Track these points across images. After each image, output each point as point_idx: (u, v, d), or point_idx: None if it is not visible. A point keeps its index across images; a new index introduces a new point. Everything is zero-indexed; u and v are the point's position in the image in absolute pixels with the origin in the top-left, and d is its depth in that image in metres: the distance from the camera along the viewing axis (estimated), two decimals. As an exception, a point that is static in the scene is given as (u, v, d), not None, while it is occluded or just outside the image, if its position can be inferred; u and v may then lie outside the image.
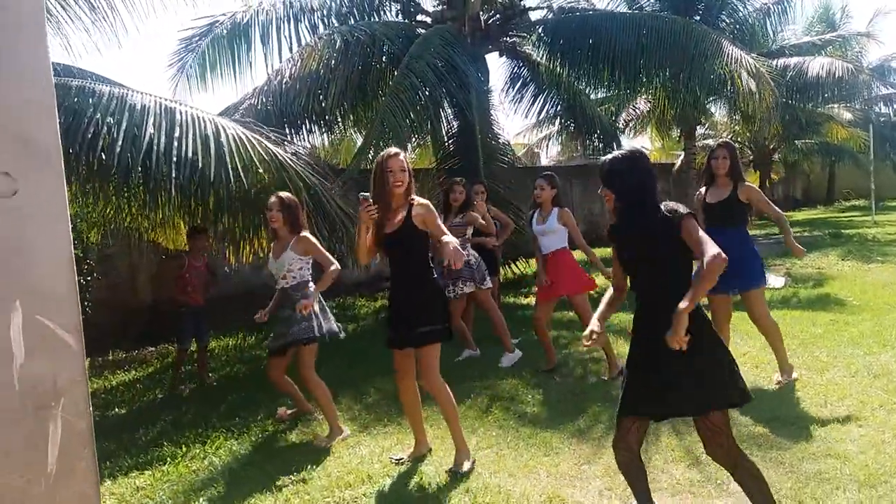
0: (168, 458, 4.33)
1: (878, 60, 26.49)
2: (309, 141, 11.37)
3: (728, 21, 15.80)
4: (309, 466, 4.01)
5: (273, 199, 4.68)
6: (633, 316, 2.86)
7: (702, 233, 2.63)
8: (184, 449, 4.45)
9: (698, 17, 14.63)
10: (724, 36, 11.81)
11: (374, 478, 3.80)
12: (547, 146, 23.13)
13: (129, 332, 8.00)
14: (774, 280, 9.04)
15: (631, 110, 19.70)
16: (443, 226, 3.80)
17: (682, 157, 18.55)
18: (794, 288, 8.64)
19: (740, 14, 16.08)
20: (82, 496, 1.24)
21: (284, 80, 9.97)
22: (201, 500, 3.70)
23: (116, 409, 5.71)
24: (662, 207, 2.74)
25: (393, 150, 3.81)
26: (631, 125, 20.91)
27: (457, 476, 3.70)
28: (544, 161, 24.87)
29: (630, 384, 2.80)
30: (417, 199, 3.78)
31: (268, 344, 4.81)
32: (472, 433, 4.36)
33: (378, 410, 5.01)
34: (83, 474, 1.24)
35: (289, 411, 4.99)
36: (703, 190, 5.10)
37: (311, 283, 4.64)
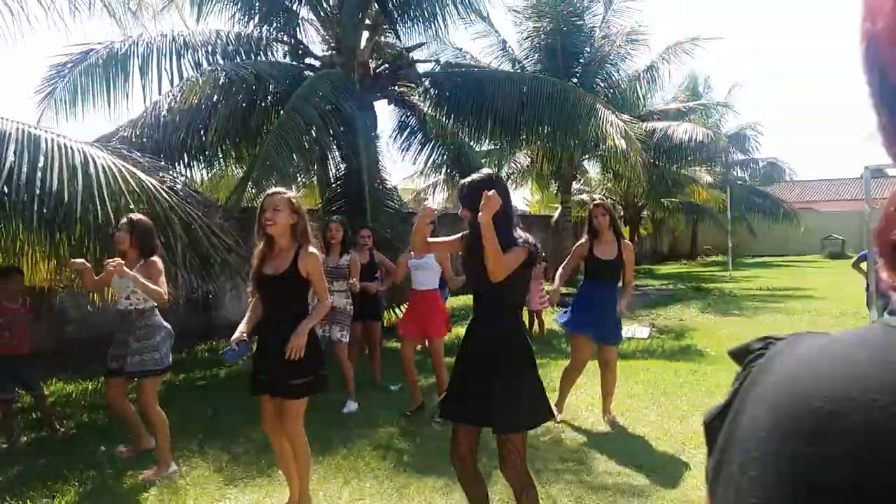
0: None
1: (735, 128, 29.06)
2: (187, 175, 10.94)
3: (603, 85, 16.84)
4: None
5: (123, 220, 4.54)
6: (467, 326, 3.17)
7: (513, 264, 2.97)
8: (28, 503, 4.05)
9: (576, 80, 15.54)
10: (599, 99, 12.59)
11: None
12: (434, 192, 23.50)
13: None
14: (640, 330, 9.53)
15: (513, 164, 20.46)
16: (324, 285, 3.72)
17: (559, 210, 19.37)
18: (659, 338, 9.14)
19: (614, 79, 17.20)
20: None
21: (163, 113, 9.61)
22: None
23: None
24: (519, 234, 3.05)
25: (274, 189, 3.72)
26: (512, 178, 21.70)
27: None
28: (434, 206, 25.15)
29: (450, 391, 3.10)
30: (309, 249, 3.63)
31: (107, 364, 4.60)
32: (346, 484, 4.25)
33: (246, 461, 4.77)
34: None
35: (126, 450, 4.81)
36: (583, 241, 5.38)
37: (157, 313, 4.51)
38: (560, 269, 5.49)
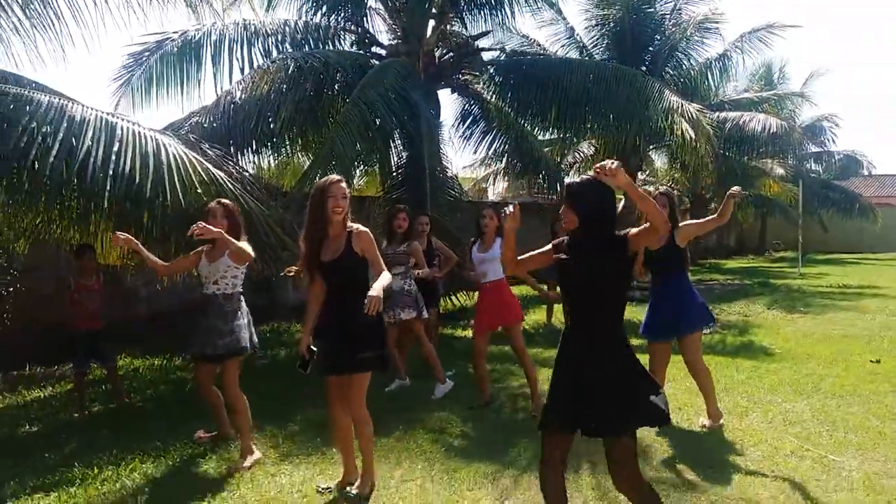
0: (78, 480, 4.16)
1: (809, 120, 27.95)
2: (254, 162, 11.25)
3: (672, 73, 16.43)
4: (224, 493, 3.92)
5: (215, 205, 4.64)
6: (562, 334, 3.00)
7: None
8: (95, 471, 4.29)
9: (645, 68, 15.19)
10: (668, 87, 12.30)
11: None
12: (494, 182, 23.44)
13: (49, 347, 7.67)
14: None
15: (576, 153, 20.21)
16: (380, 258, 3.85)
17: (623, 201, 19.06)
18: (721, 334, 8.93)
19: (684, 67, 16.76)
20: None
21: (234, 100, 9.89)
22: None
23: (28, 427, 5.46)
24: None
25: (335, 176, 3.82)
26: (576, 168, 21.44)
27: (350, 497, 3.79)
28: (491, 196, 25.14)
29: (552, 400, 2.97)
30: (357, 227, 3.79)
31: (193, 351, 4.67)
32: (398, 465, 4.35)
33: (302, 439, 4.93)
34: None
35: (206, 435, 4.90)
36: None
37: (242, 298, 4.63)
38: None
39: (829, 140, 28.93)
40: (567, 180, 3.14)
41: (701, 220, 5.37)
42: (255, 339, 4.67)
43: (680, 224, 5.05)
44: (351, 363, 3.73)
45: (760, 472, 4.14)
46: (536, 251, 3.22)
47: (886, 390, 5.99)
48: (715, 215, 5.09)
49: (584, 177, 2.97)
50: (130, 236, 4.62)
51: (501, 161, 16.14)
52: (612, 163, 2.68)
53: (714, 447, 4.61)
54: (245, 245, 4.50)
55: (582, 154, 20.22)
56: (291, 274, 4.12)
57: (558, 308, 9.63)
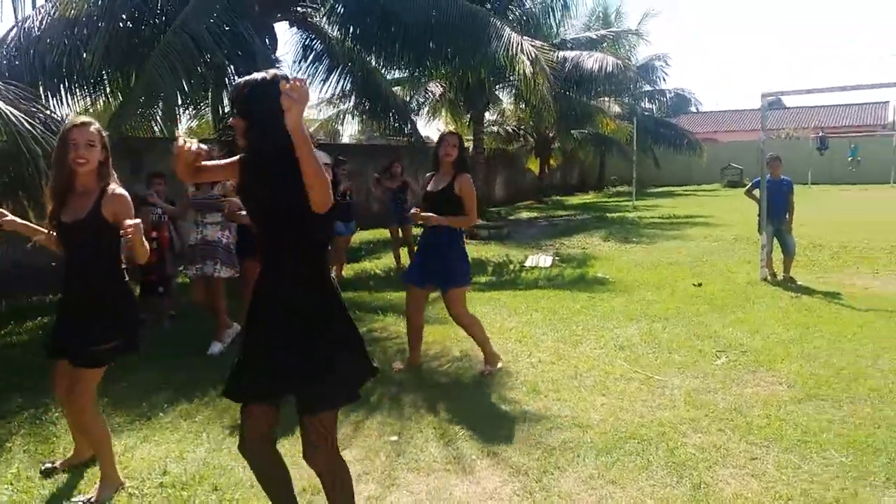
0: None
1: (643, 59, 29.38)
2: (69, 105, 10.08)
3: (517, 12, 16.53)
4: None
5: None
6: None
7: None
8: None
9: (489, 6, 15.14)
10: (510, 25, 12.31)
11: None
12: (344, 123, 22.83)
13: None
14: (544, 259, 9.66)
15: (426, 93, 20.05)
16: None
17: (471, 142, 19.22)
18: (560, 267, 9.28)
19: (527, 6, 16.92)
20: None
21: (34, 31, 8.72)
22: None
23: None
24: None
25: (81, 118, 3.14)
26: (426, 108, 21.29)
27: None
28: (346, 139, 24.54)
29: (241, 362, 2.38)
30: (114, 189, 3.09)
31: None
32: (234, 423, 4.08)
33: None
34: None
35: None
36: (428, 176, 4.86)
37: None
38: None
39: (660, 79, 30.65)
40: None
41: (469, 201, 4.64)
42: None
43: (465, 175, 4.65)
44: (82, 355, 3.09)
45: (592, 397, 4.30)
46: (221, 161, 2.58)
47: (706, 311, 6.47)
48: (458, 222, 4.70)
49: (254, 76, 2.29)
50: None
51: (349, 100, 15.68)
52: (295, 87, 2.02)
53: (551, 375, 4.73)
54: None
55: (431, 94, 20.10)
56: (36, 238, 3.30)
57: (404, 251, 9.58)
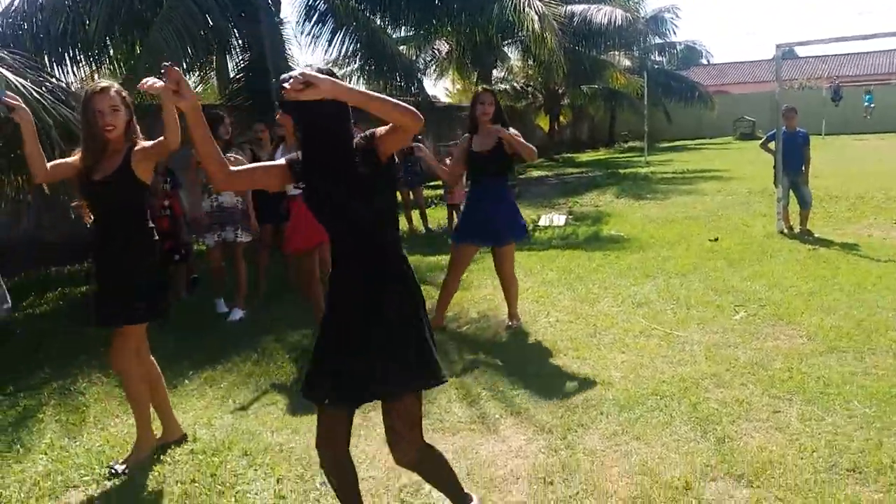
0: None
1: (652, 12, 28.81)
2: (74, 73, 10.01)
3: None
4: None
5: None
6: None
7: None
8: None
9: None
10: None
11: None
12: (352, 83, 22.62)
13: None
14: (557, 218, 9.62)
15: (433, 51, 19.78)
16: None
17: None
18: (574, 226, 9.25)
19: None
20: None
21: (36, -1, 8.63)
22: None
23: None
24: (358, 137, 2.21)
25: (102, 83, 3.09)
26: (433, 66, 21.03)
27: (132, 469, 3.20)
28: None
29: (320, 361, 2.30)
30: (141, 143, 3.10)
31: None
32: (258, 390, 4.13)
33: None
34: None
35: None
36: (467, 136, 4.82)
37: None
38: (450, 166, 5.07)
39: (670, 31, 30.09)
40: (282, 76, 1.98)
41: (521, 144, 4.59)
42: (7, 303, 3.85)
43: (510, 128, 4.67)
44: (121, 314, 3.12)
45: (612, 354, 4.32)
46: (259, 165, 2.54)
47: (723, 266, 6.44)
48: (523, 148, 4.58)
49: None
50: None
51: (355, 61, 15.49)
52: (294, 73, 1.90)
53: (570, 334, 4.74)
54: None
55: (438, 52, 19.83)
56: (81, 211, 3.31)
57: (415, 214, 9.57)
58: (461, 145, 4.89)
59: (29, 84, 5.56)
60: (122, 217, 3.15)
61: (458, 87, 29.84)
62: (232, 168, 2.22)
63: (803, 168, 7.95)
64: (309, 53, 40.15)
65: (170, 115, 2.89)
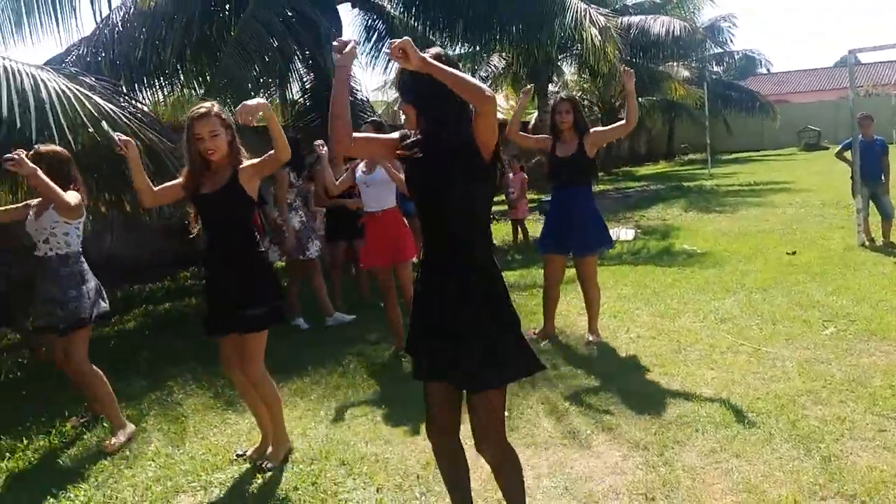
0: (6, 453, 3.80)
1: (709, 21, 28.39)
2: (148, 99, 10.43)
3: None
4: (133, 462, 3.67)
5: (31, 153, 3.72)
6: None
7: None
8: (24, 442, 3.92)
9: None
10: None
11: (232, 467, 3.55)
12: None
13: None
14: (625, 233, 9.52)
15: (488, 68, 19.87)
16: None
17: (535, 114, 19.00)
18: (643, 240, 9.13)
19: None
20: None
21: (116, 28, 9.04)
22: (48, 497, 3.28)
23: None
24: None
25: (202, 108, 3.16)
26: (489, 82, 21.12)
27: (272, 468, 3.34)
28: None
29: (412, 344, 2.40)
30: (248, 160, 3.22)
31: (37, 323, 3.90)
32: (347, 401, 4.21)
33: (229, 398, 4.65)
34: None
35: (75, 420, 4.18)
36: (547, 137, 4.93)
37: (81, 258, 3.87)
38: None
39: (727, 40, 29.59)
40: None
41: (609, 127, 5.07)
42: (104, 306, 3.94)
43: (591, 130, 4.82)
44: (237, 322, 3.23)
45: (701, 370, 4.24)
46: (381, 136, 2.64)
47: (805, 280, 6.26)
48: (622, 122, 4.82)
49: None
50: None
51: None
52: (397, 42, 1.97)
53: (654, 349, 4.68)
54: (72, 195, 3.71)
55: (494, 68, 19.91)
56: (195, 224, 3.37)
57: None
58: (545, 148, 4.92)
59: (117, 109, 5.83)
60: (230, 229, 3.28)
61: (511, 102, 29.88)
62: (355, 134, 2.33)
63: (882, 177, 7.70)
64: (369, 72, 41.05)
65: (276, 130, 3.01)
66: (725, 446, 3.26)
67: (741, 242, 8.40)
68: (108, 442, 3.77)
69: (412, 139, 2.35)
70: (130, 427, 3.92)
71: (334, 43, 2.26)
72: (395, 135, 2.45)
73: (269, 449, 3.47)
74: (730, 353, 4.52)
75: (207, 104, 3.23)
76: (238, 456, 3.56)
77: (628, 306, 5.81)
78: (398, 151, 2.38)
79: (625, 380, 4.19)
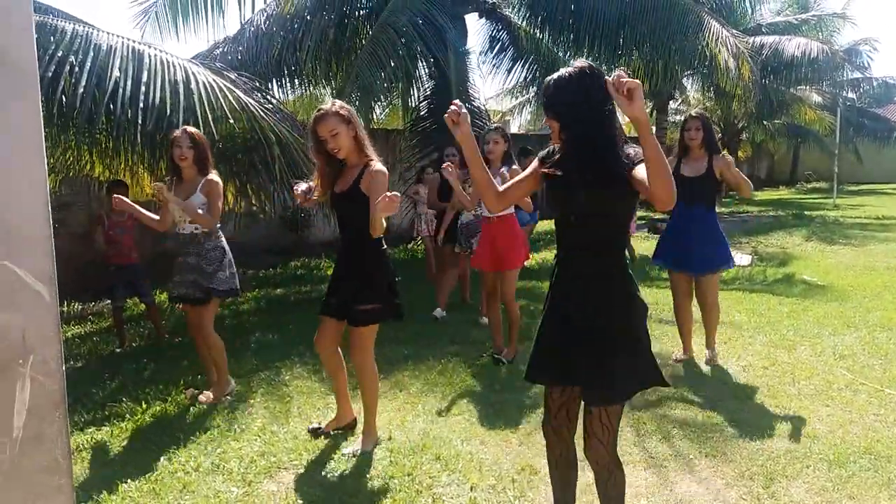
0: (127, 414, 4.17)
1: (847, 44, 26.78)
2: (279, 95, 11.03)
3: (710, -3, 15.68)
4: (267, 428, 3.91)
5: (180, 133, 4.15)
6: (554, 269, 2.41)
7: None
8: (143, 405, 4.29)
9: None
10: (705, 10, 11.73)
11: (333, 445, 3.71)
12: (520, 114, 22.96)
13: (86, 285, 7.71)
14: (741, 258, 9.14)
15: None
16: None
17: (653, 130, 18.58)
18: (760, 266, 8.75)
19: (721, -9, 15.98)
20: (52, 464, 1.12)
21: (259, 29, 9.63)
22: (161, 458, 3.56)
23: (71, 363, 5.49)
24: (626, 151, 2.22)
25: (322, 109, 3.32)
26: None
27: (360, 456, 3.49)
28: (514, 129, 24.70)
29: (539, 347, 2.41)
30: (375, 166, 3.34)
31: (180, 293, 4.24)
32: (444, 399, 4.30)
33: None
34: (53, 440, 1.12)
35: (196, 392, 4.47)
36: (672, 157, 4.81)
37: (221, 234, 4.27)
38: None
39: (865, 65, 27.81)
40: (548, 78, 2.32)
41: (738, 173, 4.67)
42: (237, 283, 4.32)
43: (725, 154, 4.74)
44: (352, 315, 3.43)
45: (815, 406, 4.04)
46: (521, 175, 2.53)
47: (939, 322, 5.83)
48: (745, 184, 4.62)
49: (564, 70, 2.24)
50: (125, 199, 4.18)
51: (530, 90, 15.69)
52: (631, 80, 1.90)
53: (767, 380, 4.50)
54: (214, 209, 4.12)
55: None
56: (303, 195, 3.50)
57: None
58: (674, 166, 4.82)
59: (255, 103, 6.22)
60: (353, 226, 3.44)
61: (626, 120, 29.28)
62: (499, 189, 2.44)
63: None
64: (489, 81, 41.43)
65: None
66: (839, 486, 3.11)
67: (867, 277, 7.90)
68: (206, 394, 4.32)
69: (556, 156, 2.35)
70: (232, 383, 4.45)
71: (449, 118, 2.27)
72: (535, 163, 2.45)
73: (359, 437, 3.62)
74: (848, 391, 4.28)
75: (326, 105, 3.39)
76: (311, 430, 3.74)
77: (741, 333, 5.60)
78: (543, 170, 2.37)
79: (734, 407, 4.06)
